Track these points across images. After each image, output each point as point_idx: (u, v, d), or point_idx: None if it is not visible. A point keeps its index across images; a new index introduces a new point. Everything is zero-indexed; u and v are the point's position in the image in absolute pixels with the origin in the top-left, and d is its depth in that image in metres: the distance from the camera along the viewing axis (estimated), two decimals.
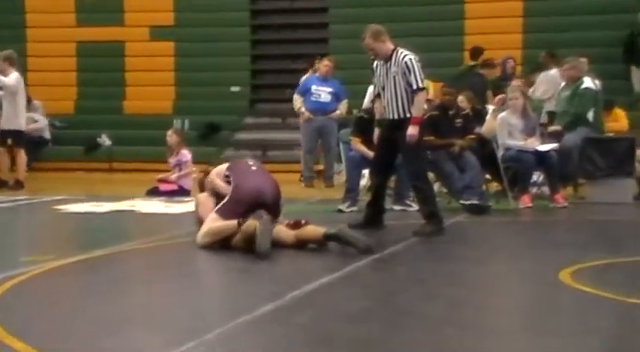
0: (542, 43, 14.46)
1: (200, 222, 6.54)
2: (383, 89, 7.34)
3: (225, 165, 6.72)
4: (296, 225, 6.22)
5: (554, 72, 11.32)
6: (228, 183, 6.48)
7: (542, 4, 15.89)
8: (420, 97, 7.17)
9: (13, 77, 11.39)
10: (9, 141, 11.45)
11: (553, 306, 4.60)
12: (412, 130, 7.07)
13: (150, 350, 3.57)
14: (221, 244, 6.19)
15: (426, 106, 11.51)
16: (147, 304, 4.71)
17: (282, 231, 6.20)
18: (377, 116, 7.62)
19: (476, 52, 13.04)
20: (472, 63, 12.94)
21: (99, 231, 7.83)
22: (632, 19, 15.07)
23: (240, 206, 6.20)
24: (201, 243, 6.25)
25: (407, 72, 7.14)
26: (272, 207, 6.29)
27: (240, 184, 6.34)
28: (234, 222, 6.10)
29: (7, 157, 11.59)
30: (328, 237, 6.11)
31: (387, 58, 7.26)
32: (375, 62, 7.46)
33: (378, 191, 7.55)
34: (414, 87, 7.12)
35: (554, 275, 5.18)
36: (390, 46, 7.29)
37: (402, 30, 16.12)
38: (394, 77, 7.18)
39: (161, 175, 10.90)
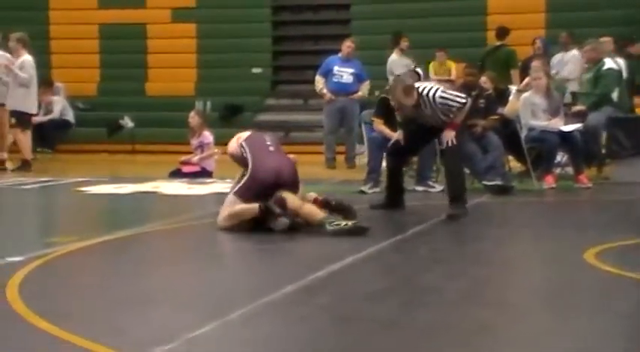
0: (565, 21, 14.31)
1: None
2: (414, 119, 7.22)
3: (246, 134, 6.67)
4: (324, 204, 6.20)
5: (575, 52, 11.24)
6: (240, 151, 6.46)
7: None
8: (464, 110, 7.06)
9: (26, 60, 11.41)
10: (12, 120, 11.46)
11: (577, 286, 4.58)
12: (450, 134, 6.99)
13: (173, 330, 3.58)
14: (241, 226, 6.19)
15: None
16: (169, 284, 4.73)
17: (309, 212, 6.15)
18: (407, 115, 7.36)
19: (502, 32, 12.92)
20: (498, 43, 12.83)
21: (122, 213, 7.88)
22: None
23: (259, 187, 6.19)
24: (222, 226, 6.25)
25: (445, 106, 6.96)
26: (290, 187, 6.26)
27: (258, 165, 6.29)
28: (255, 206, 6.08)
29: (26, 138, 11.52)
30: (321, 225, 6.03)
31: (416, 105, 7.04)
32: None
33: (395, 172, 7.53)
34: (460, 106, 6.99)
35: (579, 256, 5.15)
36: (415, 96, 6.99)
37: (425, 10, 16.07)
38: (431, 115, 7.03)
39: (184, 157, 10.92)
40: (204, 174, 10.50)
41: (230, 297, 4.28)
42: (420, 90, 7.02)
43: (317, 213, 6.12)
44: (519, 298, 4.34)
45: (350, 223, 5.99)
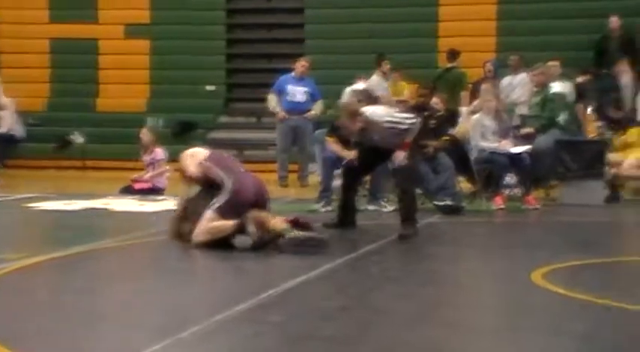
0: (515, 46, 14.57)
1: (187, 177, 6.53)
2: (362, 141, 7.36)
3: (203, 152, 6.61)
4: (295, 223, 6.25)
5: (523, 75, 11.46)
6: (203, 170, 6.43)
7: (516, 7, 16.01)
8: (412, 130, 7.09)
9: None
10: None
11: (525, 306, 4.65)
12: (402, 154, 7.05)
13: (125, 348, 3.56)
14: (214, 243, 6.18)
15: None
16: (122, 302, 4.70)
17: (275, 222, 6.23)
18: (355, 138, 7.51)
19: (452, 54, 13.14)
20: (449, 65, 13.04)
21: (72, 229, 7.78)
22: (603, 23, 15.24)
23: (240, 205, 6.20)
24: (198, 241, 6.21)
25: (393, 129, 7.04)
26: (264, 200, 6.43)
27: (238, 183, 6.30)
28: (232, 223, 6.11)
29: None
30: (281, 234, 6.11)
31: (362, 129, 7.19)
32: None
33: (348, 191, 7.59)
34: (409, 127, 7.05)
35: (527, 276, 5.23)
36: (362, 120, 7.13)
37: (377, 30, 16.24)
38: (378, 138, 7.14)
39: (135, 175, 10.86)
40: (155, 191, 10.45)
41: (183, 315, 4.27)
42: (368, 114, 7.09)
43: (281, 224, 6.17)
44: (470, 318, 4.39)
45: (308, 234, 6.07)
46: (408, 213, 7.14)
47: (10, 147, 14.27)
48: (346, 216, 7.50)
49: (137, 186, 10.63)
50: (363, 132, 7.17)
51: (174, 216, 6.62)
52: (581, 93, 11.48)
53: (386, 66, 12.98)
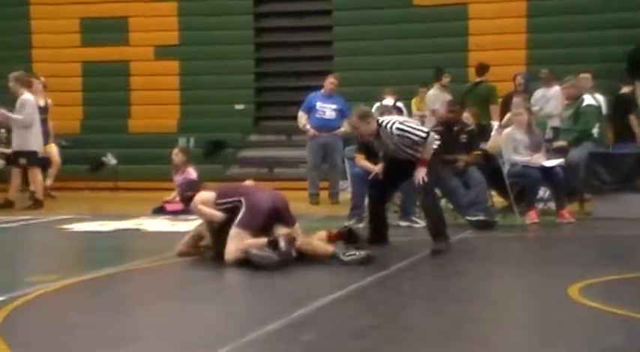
0: (546, 58, 14.48)
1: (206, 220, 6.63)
2: (385, 154, 7.38)
3: (210, 194, 6.69)
4: (338, 236, 6.51)
5: (557, 88, 11.35)
6: (224, 209, 6.54)
7: (546, 19, 15.92)
8: (429, 143, 7.07)
9: (26, 99, 11.42)
10: (22, 161, 11.53)
11: (561, 322, 4.58)
12: (421, 172, 7.04)
13: None
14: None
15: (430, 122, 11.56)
16: (153, 322, 4.70)
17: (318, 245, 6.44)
18: (381, 152, 7.55)
19: (481, 69, 13.07)
20: (478, 79, 12.97)
21: (105, 250, 7.83)
22: (636, 34, 15.10)
23: (260, 215, 6.36)
24: (230, 260, 6.29)
25: (404, 139, 7.04)
26: (287, 213, 6.54)
27: (251, 197, 6.47)
28: (264, 240, 6.21)
29: (19, 178, 11.64)
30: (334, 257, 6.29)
31: (376, 135, 7.21)
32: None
33: (377, 207, 7.56)
34: (420, 140, 7.03)
35: (563, 291, 5.16)
36: (374, 126, 7.14)
37: (407, 46, 16.22)
38: (391, 146, 7.17)
39: (167, 197, 10.90)
40: (187, 211, 10.46)
41: (214, 335, 4.25)
42: (380, 121, 7.13)
43: (328, 247, 6.39)
44: (503, 334, 4.33)
45: (363, 253, 6.28)
46: (436, 229, 7.09)
47: (45, 169, 14.45)
48: (377, 231, 7.46)
49: (169, 207, 10.66)
50: (377, 140, 7.19)
51: (191, 236, 6.80)
52: (626, 104, 11.34)
53: (445, 79, 13.02)
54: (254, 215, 6.35)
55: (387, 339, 4.16)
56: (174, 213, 10.32)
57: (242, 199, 6.45)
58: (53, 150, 13.19)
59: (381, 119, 7.18)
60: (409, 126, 7.09)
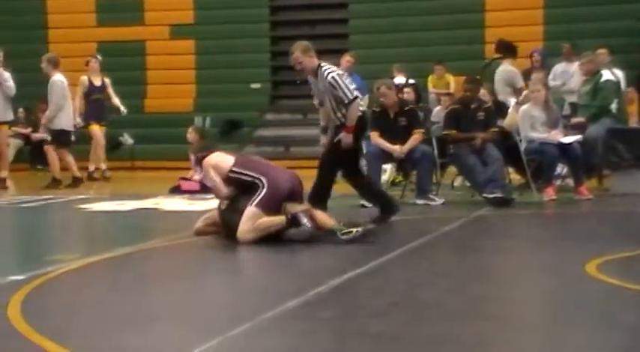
0: (562, 34, 14.36)
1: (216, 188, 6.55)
2: (321, 103, 7.41)
3: (228, 159, 6.55)
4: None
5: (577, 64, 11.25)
6: (233, 180, 6.45)
7: None
8: (352, 108, 7.16)
9: (56, 80, 11.71)
10: (54, 140, 11.77)
11: (579, 298, 4.57)
12: (345, 138, 7.16)
13: (176, 347, 3.58)
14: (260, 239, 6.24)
15: (448, 100, 11.56)
16: (172, 301, 4.73)
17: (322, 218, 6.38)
18: (322, 123, 7.65)
19: (501, 45, 12.94)
20: (497, 55, 12.85)
21: (123, 229, 7.88)
22: None
23: (279, 197, 6.31)
24: (246, 239, 6.23)
25: (333, 89, 7.17)
26: (300, 193, 6.54)
27: (273, 177, 6.38)
28: (282, 218, 6.18)
29: (56, 156, 11.88)
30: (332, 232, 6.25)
31: (314, 74, 7.31)
32: (309, 78, 7.42)
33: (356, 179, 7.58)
34: (346, 101, 7.15)
35: (580, 268, 5.15)
36: (315, 61, 7.32)
37: (422, 23, 16.14)
38: (324, 93, 7.25)
39: (184, 175, 10.95)
40: (204, 190, 10.50)
41: (233, 313, 4.28)
42: (321, 64, 7.28)
43: (329, 219, 6.33)
44: (522, 311, 4.34)
45: (360, 229, 6.20)
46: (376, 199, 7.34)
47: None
48: (320, 194, 7.28)
49: (185, 186, 10.70)
50: (315, 80, 7.29)
51: (210, 215, 6.76)
52: None
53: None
54: (274, 197, 6.29)
55: (406, 317, 4.17)
56: (190, 192, 10.37)
57: (263, 179, 6.34)
58: (102, 132, 13.10)
59: (324, 64, 7.29)
60: (343, 82, 7.18)
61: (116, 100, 13.12)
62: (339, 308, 4.39)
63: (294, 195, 6.42)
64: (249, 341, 3.73)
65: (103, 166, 12.91)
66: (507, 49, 12.80)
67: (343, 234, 6.17)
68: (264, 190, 6.30)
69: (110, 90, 13.12)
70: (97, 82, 13.00)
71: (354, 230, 6.18)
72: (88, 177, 12.56)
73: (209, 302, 4.63)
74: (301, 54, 7.31)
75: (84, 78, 13.04)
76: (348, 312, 4.30)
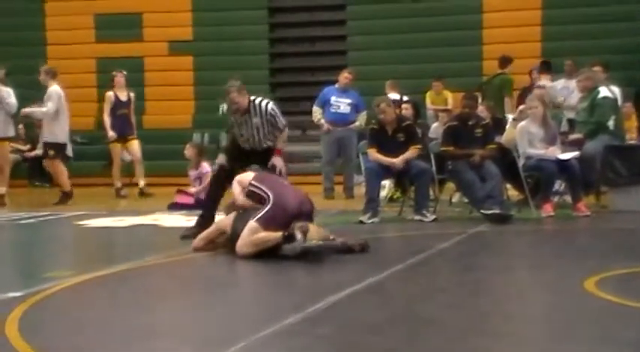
0: (561, 51, 14.43)
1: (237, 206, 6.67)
2: (243, 133, 7.59)
3: (250, 175, 6.83)
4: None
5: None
6: (250, 193, 6.55)
7: (561, 12, 15.85)
8: (285, 133, 7.68)
9: (53, 90, 11.75)
10: (50, 153, 11.72)
11: (578, 315, 4.57)
12: (279, 161, 7.52)
13: None
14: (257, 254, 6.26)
15: (446, 116, 11.60)
16: (170, 318, 4.72)
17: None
18: (226, 143, 7.88)
19: (505, 61, 12.99)
20: (499, 71, 12.90)
21: (122, 246, 7.88)
22: None
23: (284, 217, 6.29)
24: (243, 253, 6.28)
25: (273, 120, 7.52)
26: (309, 215, 6.53)
27: (279, 196, 6.43)
28: (278, 234, 6.17)
29: (61, 169, 11.90)
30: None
31: (246, 110, 7.51)
32: (230, 111, 7.63)
33: (217, 199, 7.66)
34: (281, 126, 7.60)
35: (579, 284, 5.15)
36: (247, 99, 7.55)
37: (421, 40, 16.20)
38: (257, 126, 7.48)
39: (182, 188, 10.98)
40: (198, 204, 10.50)
41: (231, 329, 4.27)
42: (254, 99, 7.50)
43: (319, 233, 6.35)
44: (521, 328, 4.33)
45: (321, 243, 6.13)
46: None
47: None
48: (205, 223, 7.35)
49: (180, 200, 10.72)
50: (243, 117, 7.48)
51: (210, 231, 6.82)
52: None
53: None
54: (278, 215, 6.29)
55: (404, 332, 4.17)
56: (185, 206, 10.37)
57: (271, 196, 6.39)
58: (135, 146, 13.09)
59: (254, 97, 7.53)
60: (278, 111, 7.57)
61: (133, 118, 13.28)
62: (338, 324, 4.38)
63: (301, 215, 6.38)
64: None
65: (141, 183, 12.96)
66: (506, 63, 12.86)
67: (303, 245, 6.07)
68: (269, 207, 6.35)
69: (133, 107, 13.28)
70: (123, 97, 13.08)
71: (314, 243, 6.08)
72: (116, 195, 12.74)
73: (208, 318, 4.63)
74: (238, 93, 7.50)
75: (109, 94, 13.10)
76: (346, 328, 4.29)
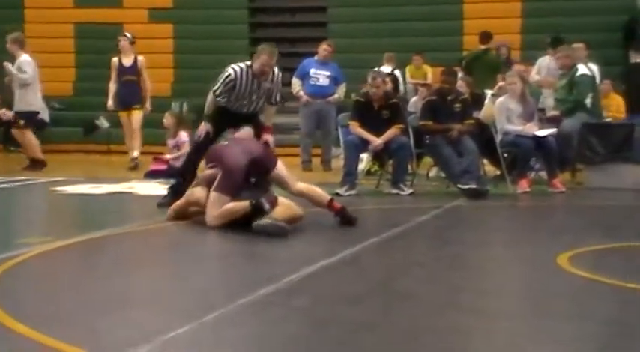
0: (541, 27, 14.44)
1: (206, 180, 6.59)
2: (242, 97, 7.38)
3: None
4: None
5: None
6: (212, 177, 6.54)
7: None
8: (274, 109, 7.64)
9: (24, 60, 11.39)
10: (20, 122, 11.47)
11: (551, 291, 4.62)
12: (271, 138, 7.36)
13: (148, 332, 3.58)
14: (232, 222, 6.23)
15: (425, 91, 11.60)
16: (145, 286, 4.73)
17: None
18: (210, 110, 7.60)
19: (485, 36, 12.95)
20: (483, 47, 12.84)
21: (97, 213, 7.84)
22: (631, 4, 15.05)
23: (236, 174, 6.29)
24: (213, 225, 6.28)
25: (276, 88, 7.45)
26: (265, 158, 6.51)
27: (225, 157, 6.43)
28: (246, 203, 6.16)
29: (31, 136, 11.54)
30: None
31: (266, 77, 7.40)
32: (240, 74, 7.44)
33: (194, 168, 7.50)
34: (278, 100, 7.59)
35: (552, 260, 5.20)
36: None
37: (403, 14, 16.15)
38: (265, 91, 7.40)
39: (159, 155, 10.93)
40: (175, 173, 10.46)
41: (206, 299, 4.28)
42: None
43: (291, 208, 6.31)
44: (496, 303, 4.37)
45: (274, 223, 6.01)
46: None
47: (37, 131, 14.40)
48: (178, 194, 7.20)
49: (154, 166, 10.67)
50: (259, 80, 7.38)
51: (184, 201, 6.75)
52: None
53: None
54: (230, 177, 6.29)
55: (381, 305, 4.20)
56: (158, 173, 10.32)
57: (218, 164, 6.43)
58: (134, 116, 12.02)
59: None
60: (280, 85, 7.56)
61: (147, 85, 12.13)
62: (313, 296, 4.41)
63: (256, 164, 6.38)
64: (222, 328, 3.74)
65: (135, 154, 11.89)
66: (487, 38, 12.78)
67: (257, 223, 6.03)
68: (220, 173, 6.36)
69: (144, 73, 12.17)
70: (127, 63, 12.08)
71: (267, 222, 6.00)
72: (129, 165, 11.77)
73: (182, 288, 4.63)
74: (273, 59, 7.40)
75: (114, 59, 12.29)
76: (322, 300, 4.32)
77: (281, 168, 6.59)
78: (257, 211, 6.11)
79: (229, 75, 7.41)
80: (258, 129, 7.35)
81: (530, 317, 4.02)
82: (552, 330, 3.74)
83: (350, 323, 3.82)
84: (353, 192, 8.69)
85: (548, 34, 12.49)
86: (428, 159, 9.92)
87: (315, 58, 12.17)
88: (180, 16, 16.81)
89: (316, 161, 12.10)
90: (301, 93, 12.01)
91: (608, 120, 10.86)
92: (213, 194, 6.32)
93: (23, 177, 10.51)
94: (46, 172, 11.17)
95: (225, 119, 7.47)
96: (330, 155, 11.92)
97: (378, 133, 8.79)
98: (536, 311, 4.13)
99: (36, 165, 11.46)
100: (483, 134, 9.39)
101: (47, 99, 15.20)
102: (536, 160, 9.73)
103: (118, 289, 4.56)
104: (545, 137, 9.17)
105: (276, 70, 7.42)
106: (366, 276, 4.98)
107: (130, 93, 12.03)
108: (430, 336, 3.65)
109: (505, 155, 9.33)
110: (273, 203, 6.19)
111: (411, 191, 8.81)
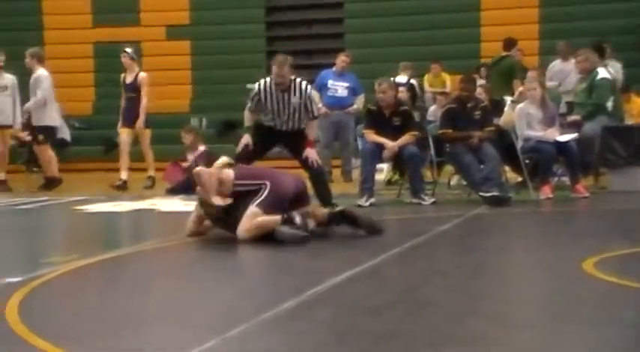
0: (558, 32, 14.38)
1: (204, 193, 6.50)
2: (276, 112, 7.55)
3: (229, 174, 6.48)
4: (342, 215, 6.66)
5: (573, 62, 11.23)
6: (239, 193, 6.42)
7: None
8: (315, 123, 7.85)
9: (41, 75, 11.42)
10: (40, 137, 11.51)
11: (577, 296, 4.57)
12: (313, 153, 7.68)
13: (173, 348, 3.57)
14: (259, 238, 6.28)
15: (444, 99, 11.57)
16: (170, 302, 4.72)
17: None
18: (248, 123, 7.84)
19: (509, 43, 12.91)
20: (504, 53, 12.80)
21: (120, 231, 7.88)
22: None
23: (283, 199, 6.36)
24: (244, 237, 6.29)
25: (308, 103, 7.54)
26: (305, 195, 6.65)
27: (276, 180, 6.44)
28: (278, 217, 6.22)
29: (52, 153, 11.60)
30: (332, 218, 6.43)
31: (287, 88, 7.50)
32: (264, 87, 7.54)
33: None
34: (316, 114, 7.76)
35: (578, 266, 5.15)
36: (287, 73, 7.55)
37: (419, 22, 16.14)
38: (294, 106, 7.49)
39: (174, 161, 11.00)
40: (186, 184, 10.42)
41: (230, 313, 4.27)
42: (295, 78, 7.51)
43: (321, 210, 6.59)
44: (519, 310, 4.33)
45: (294, 231, 6.16)
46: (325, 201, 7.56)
47: (58, 150, 14.48)
48: None
49: (170, 171, 10.69)
50: (282, 93, 7.50)
51: (196, 215, 6.74)
52: None
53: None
54: (278, 200, 6.32)
55: (403, 315, 4.17)
56: (184, 191, 10.33)
57: (267, 183, 6.39)
58: (144, 135, 11.89)
59: (296, 78, 7.55)
60: (314, 99, 7.68)
61: (143, 102, 11.68)
62: (337, 308, 4.39)
63: (298, 196, 6.49)
64: (247, 342, 3.73)
65: (150, 173, 11.76)
66: (511, 45, 12.72)
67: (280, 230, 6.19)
68: (267, 191, 6.35)
69: (143, 90, 11.73)
70: (129, 79, 11.79)
71: (287, 230, 6.16)
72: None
73: (206, 303, 4.63)
74: (286, 68, 7.51)
75: (122, 76, 12.13)
76: (345, 312, 4.30)
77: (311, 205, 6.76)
78: (289, 225, 6.19)
79: (254, 89, 7.63)
80: (303, 143, 7.50)
81: (555, 323, 3.97)
82: (578, 336, 3.70)
83: (373, 333, 3.80)
84: (372, 200, 8.68)
85: (565, 41, 12.41)
86: (449, 168, 9.89)
87: (333, 69, 12.20)
88: (198, 32, 16.91)
89: (336, 172, 12.09)
90: (320, 104, 12.02)
91: (630, 123, 10.77)
92: (254, 209, 6.30)
93: (45, 197, 10.57)
94: (67, 191, 11.23)
95: (263, 134, 7.62)
96: (351, 166, 11.92)
97: (391, 141, 8.80)
98: (561, 318, 4.08)
99: (51, 183, 11.49)
100: (504, 141, 9.36)
101: (67, 118, 15.37)
102: (558, 166, 9.67)
103: (143, 306, 4.56)
104: (566, 142, 9.11)
105: (304, 83, 7.52)
106: (389, 286, 4.95)
107: (127, 111, 11.82)
108: (452, 346, 3.62)
109: (527, 161, 9.28)
110: (305, 216, 6.26)
111: (432, 200, 8.77)
